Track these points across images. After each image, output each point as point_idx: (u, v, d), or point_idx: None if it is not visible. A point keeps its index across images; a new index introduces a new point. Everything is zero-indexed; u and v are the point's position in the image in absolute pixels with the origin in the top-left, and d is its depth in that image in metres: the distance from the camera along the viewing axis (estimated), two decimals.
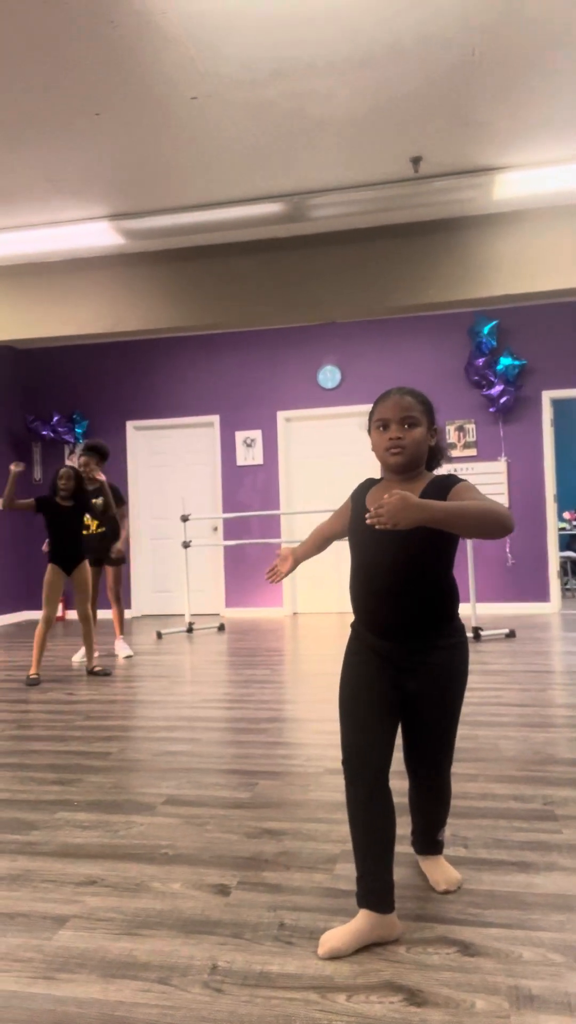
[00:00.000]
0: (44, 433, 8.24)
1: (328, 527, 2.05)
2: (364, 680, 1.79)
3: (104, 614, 7.13)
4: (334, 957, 1.67)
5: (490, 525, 1.54)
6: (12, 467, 4.68)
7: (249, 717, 3.76)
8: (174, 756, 3.16)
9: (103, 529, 5.50)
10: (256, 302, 5.33)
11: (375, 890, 1.72)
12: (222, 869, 2.12)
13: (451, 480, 1.75)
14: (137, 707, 4.09)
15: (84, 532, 5.46)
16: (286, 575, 2.08)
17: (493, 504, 1.57)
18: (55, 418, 8.21)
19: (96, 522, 5.49)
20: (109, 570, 5.55)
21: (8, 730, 3.65)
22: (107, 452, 5.61)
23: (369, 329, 7.78)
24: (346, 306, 5.25)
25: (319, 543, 2.09)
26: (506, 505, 7.45)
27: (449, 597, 1.79)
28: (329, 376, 7.84)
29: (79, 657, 5.54)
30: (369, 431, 1.85)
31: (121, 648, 5.55)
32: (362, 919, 1.71)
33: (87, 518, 5.45)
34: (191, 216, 4.75)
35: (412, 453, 1.76)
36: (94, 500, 5.49)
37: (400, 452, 1.75)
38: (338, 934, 1.70)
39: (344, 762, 1.78)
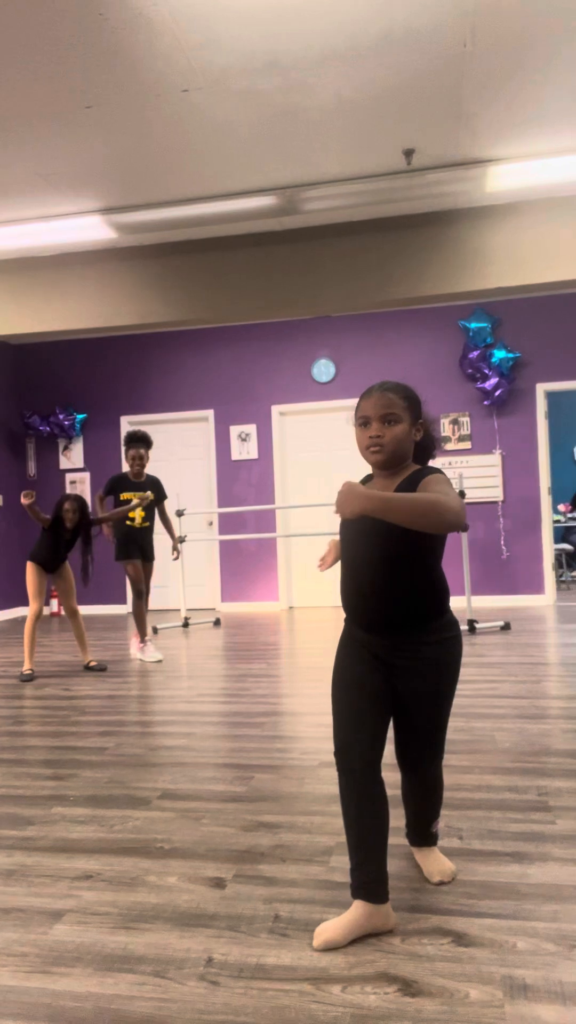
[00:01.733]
0: (41, 428, 8.22)
1: None
2: (354, 674, 1.80)
3: (99, 611, 7.10)
4: (329, 948, 1.68)
5: (430, 517, 1.51)
6: (24, 500, 4.66)
7: (245, 711, 3.76)
8: (170, 751, 3.17)
9: (148, 523, 5.42)
10: (250, 296, 5.32)
11: (369, 881, 1.73)
12: (218, 862, 2.13)
13: (425, 472, 1.74)
14: (133, 702, 4.10)
15: (128, 524, 5.34)
16: (332, 564, 2.12)
17: (440, 498, 1.53)
18: (57, 413, 8.18)
19: (142, 514, 5.39)
20: (151, 568, 5.44)
21: (4, 725, 3.65)
22: (152, 441, 5.53)
23: (363, 323, 7.77)
24: (340, 299, 5.24)
25: None
26: (501, 499, 7.46)
27: (435, 593, 1.78)
28: (323, 370, 7.83)
29: (156, 655, 5.30)
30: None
31: (152, 652, 5.36)
32: (357, 910, 1.72)
33: (132, 512, 5.32)
34: (183, 210, 4.74)
35: (392, 451, 1.75)
36: (142, 494, 5.27)
37: (379, 450, 1.75)
38: (333, 925, 1.71)
39: (336, 753, 1.79)
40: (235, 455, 8.03)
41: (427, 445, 1.86)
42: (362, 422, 1.77)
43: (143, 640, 5.36)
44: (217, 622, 6.97)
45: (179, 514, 7.03)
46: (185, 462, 8.31)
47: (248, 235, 5.29)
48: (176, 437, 8.31)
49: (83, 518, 4.98)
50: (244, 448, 8.01)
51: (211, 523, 8.12)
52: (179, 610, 7.87)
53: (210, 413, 8.10)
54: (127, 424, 8.32)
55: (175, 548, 5.62)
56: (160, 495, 5.50)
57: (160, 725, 3.58)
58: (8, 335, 5.75)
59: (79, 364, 8.37)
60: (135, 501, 5.08)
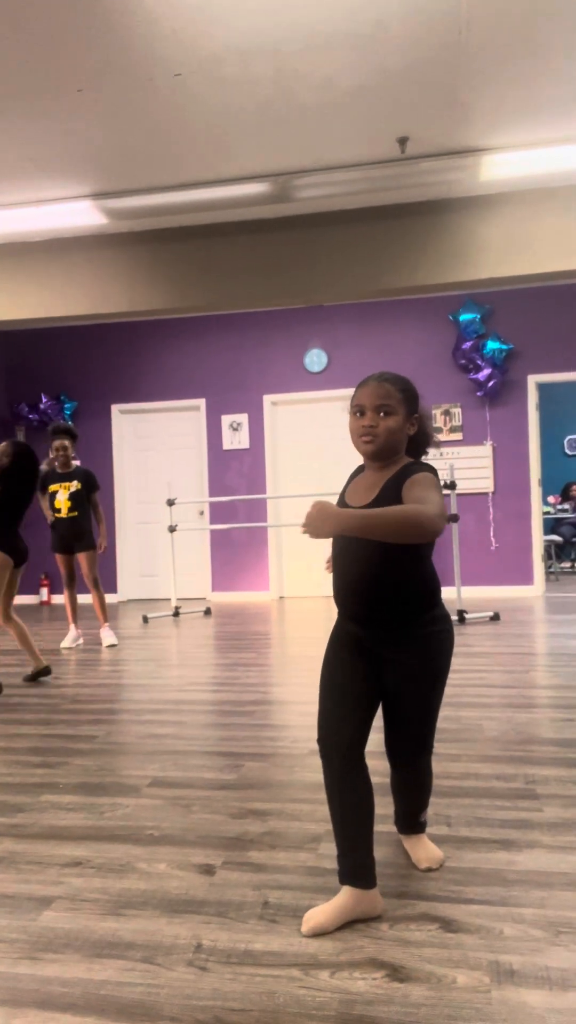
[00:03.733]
0: (31, 416, 8.17)
1: None
2: (341, 662, 1.80)
3: (84, 599, 7.11)
4: (318, 934, 1.69)
5: (408, 532, 1.51)
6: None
7: (235, 700, 3.77)
8: (160, 739, 3.17)
9: (75, 514, 5.44)
10: (242, 284, 5.29)
11: (356, 867, 1.74)
12: (207, 849, 2.13)
13: (413, 469, 1.72)
14: (123, 690, 4.09)
15: (56, 515, 5.43)
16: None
17: (418, 509, 1.52)
18: (44, 401, 8.14)
19: (68, 504, 5.42)
20: (82, 557, 5.45)
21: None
22: (77, 434, 5.68)
23: (356, 312, 7.74)
24: (333, 289, 5.22)
25: None
26: (491, 490, 7.48)
27: (426, 586, 1.77)
28: (315, 360, 7.81)
29: (68, 642, 5.52)
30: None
31: (107, 637, 5.52)
32: (345, 896, 1.73)
33: (58, 501, 5.41)
34: (175, 196, 4.70)
35: (384, 442, 1.73)
36: (67, 484, 5.43)
37: (371, 441, 1.73)
38: (322, 911, 1.72)
39: (319, 741, 1.79)
40: (227, 444, 8.01)
41: (421, 440, 1.84)
42: (357, 411, 1.75)
43: (74, 625, 5.62)
44: (208, 611, 6.97)
45: (170, 503, 7.01)
46: (176, 451, 8.28)
47: (241, 222, 5.25)
48: (168, 426, 8.28)
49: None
50: (236, 437, 7.99)
51: (202, 512, 8.11)
52: (170, 599, 7.87)
53: (202, 402, 8.07)
54: (118, 413, 8.28)
55: (102, 540, 5.60)
56: (90, 486, 5.55)
57: (150, 714, 3.58)
58: None
59: (69, 352, 8.31)
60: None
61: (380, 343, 7.70)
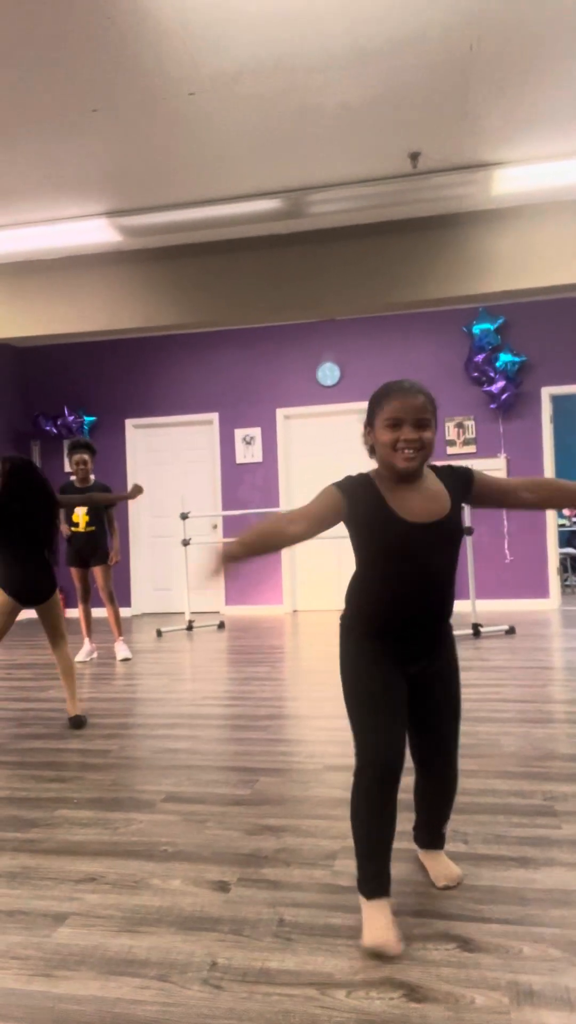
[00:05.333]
0: (47, 429, 8.22)
1: (299, 527, 1.73)
2: (382, 679, 1.75)
3: (98, 613, 7.12)
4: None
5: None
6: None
7: (249, 714, 3.75)
8: (174, 753, 3.16)
9: (92, 528, 5.47)
10: (255, 299, 5.32)
11: (387, 878, 1.76)
12: (222, 866, 2.12)
13: (466, 473, 1.78)
14: (137, 705, 4.09)
15: (73, 529, 5.44)
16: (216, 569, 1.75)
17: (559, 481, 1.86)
18: (67, 414, 8.19)
19: (87, 519, 5.45)
20: (98, 571, 5.48)
21: (8, 728, 3.65)
22: (96, 449, 5.72)
23: (368, 326, 7.76)
24: (345, 303, 5.24)
25: (270, 538, 1.75)
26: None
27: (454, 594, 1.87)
28: (328, 373, 7.82)
29: (82, 656, 5.52)
30: (371, 424, 1.73)
31: (121, 651, 5.51)
32: (386, 905, 1.72)
33: (76, 515, 5.44)
34: (189, 213, 4.74)
35: (425, 457, 1.68)
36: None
37: (414, 457, 1.65)
38: (388, 929, 1.67)
39: (371, 763, 1.70)
40: (240, 458, 8.03)
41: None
42: (393, 423, 1.66)
43: (90, 638, 5.64)
44: (221, 625, 6.96)
45: (183, 517, 7.02)
46: (190, 465, 8.31)
47: (254, 238, 5.29)
48: (181, 440, 8.32)
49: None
50: (249, 451, 8.00)
51: (215, 526, 8.12)
52: (183, 613, 7.86)
53: (215, 416, 8.10)
54: (132, 427, 8.32)
55: (115, 553, 5.61)
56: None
57: (164, 728, 3.57)
58: (13, 337, 5.76)
59: (84, 367, 8.38)
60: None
61: (393, 356, 7.71)
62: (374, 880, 1.73)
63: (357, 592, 1.80)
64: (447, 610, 1.80)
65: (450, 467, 1.78)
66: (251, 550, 1.70)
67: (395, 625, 1.76)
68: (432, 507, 1.70)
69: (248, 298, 5.33)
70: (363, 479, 1.75)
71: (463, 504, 1.76)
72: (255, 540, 1.71)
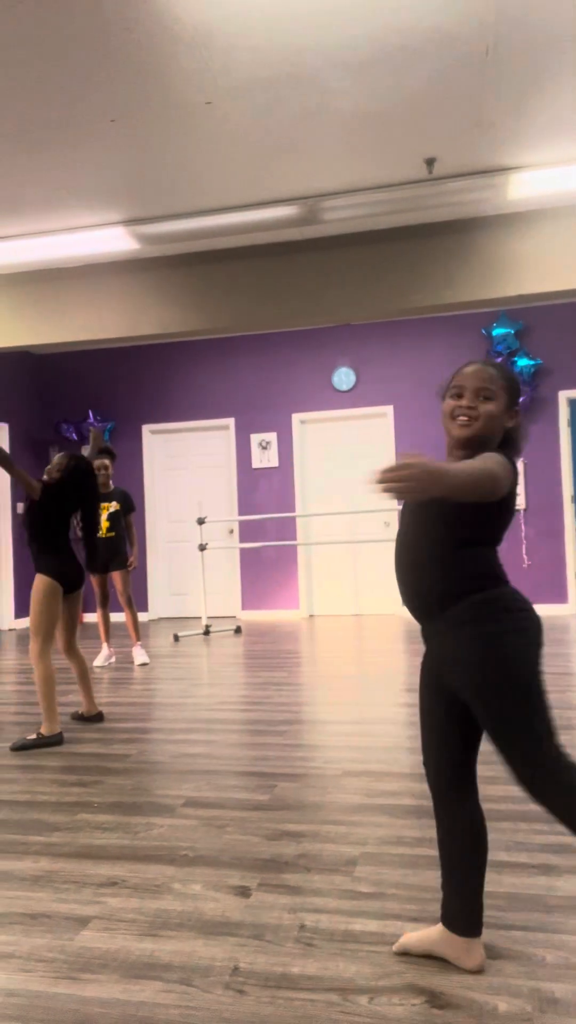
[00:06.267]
0: (68, 435, 8.29)
1: None
2: (422, 690, 1.69)
3: (117, 618, 7.16)
4: (402, 952, 1.67)
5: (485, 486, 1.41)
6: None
7: (267, 719, 3.76)
8: (193, 758, 3.17)
9: (112, 534, 5.52)
10: (270, 305, 5.34)
11: (445, 906, 1.65)
12: (242, 871, 2.13)
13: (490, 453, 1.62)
14: (155, 709, 4.11)
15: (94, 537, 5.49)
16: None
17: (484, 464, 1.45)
18: (92, 420, 8.26)
19: (107, 524, 5.51)
20: (117, 576, 5.53)
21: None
22: (116, 454, 5.77)
23: (383, 331, 7.76)
24: (361, 308, 5.25)
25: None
26: (523, 507, 7.41)
27: (461, 574, 1.59)
28: (344, 378, 7.83)
29: (100, 661, 5.56)
30: (443, 399, 1.69)
31: (138, 655, 5.55)
32: (438, 930, 1.66)
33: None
34: (205, 220, 4.77)
35: (481, 427, 1.59)
36: (107, 504, 5.52)
37: (468, 423, 1.59)
38: (415, 934, 1.68)
39: (433, 786, 1.68)
40: (256, 463, 8.05)
41: (515, 437, 1.67)
42: (455, 392, 1.63)
43: (108, 644, 5.65)
44: (238, 630, 6.98)
45: (200, 522, 7.05)
46: (206, 470, 8.34)
47: (270, 244, 5.32)
48: (197, 445, 8.35)
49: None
50: (265, 456, 8.03)
51: (232, 531, 8.14)
52: (200, 618, 7.89)
53: (231, 421, 8.13)
54: (149, 433, 8.37)
55: (134, 559, 5.69)
56: (128, 507, 5.65)
57: (183, 733, 3.58)
58: (32, 345, 5.82)
59: (101, 374, 8.45)
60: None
61: (409, 360, 7.71)
62: (443, 901, 1.66)
63: None
64: (426, 596, 1.58)
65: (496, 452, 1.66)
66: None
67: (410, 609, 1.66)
68: None
69: (264, 304, 5.35)
70: None
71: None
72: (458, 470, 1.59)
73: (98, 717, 3.87)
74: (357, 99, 3.65)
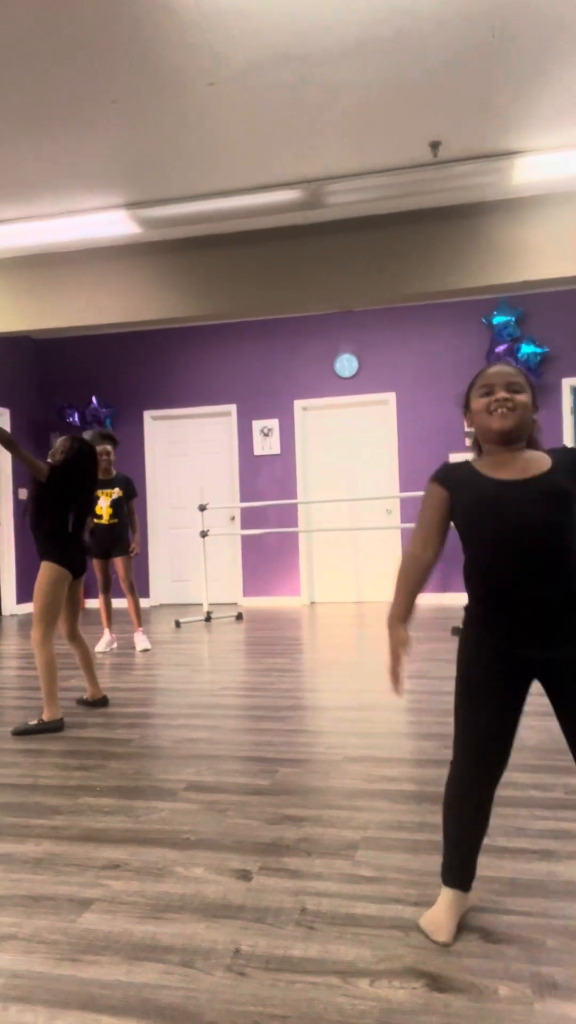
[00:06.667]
0: (70, 421, 8.26)
1: (430, 551, 1.71)
2: (491, 672, 1.67)
3: (119, 603, 7.18)
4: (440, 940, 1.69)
5: None
6: None
7: (268, 705, 3.77)
8: (194, 743, 3.18)
9: (115, 520, 5.52)
10: (273, 290, 5.31)
11: (469, 872, 1.76)
12: (243, 854, 2.13)
13: (569, 451, 1.66)
14: (157, 695, 4.12)
15: (96, 521, 5.49)
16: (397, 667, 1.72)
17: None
18: (95, 405, 8.23)
19: (110, 511, 5.51)
20: (119, 562, 5.53)
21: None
22: (119, 440, 5.77)
23: (386, 317, 7.72)
24: (364, 294, 5.21)
25: (420, 580, 1.72)
26: None
27: None
28: (346, 364, 7.80)
29: (102, 647, 5.57)
30: (467, 408, 1.73)
31: (140, 641, 5.56)
32: (456, 896, 1.74)
33: (100, 507, 5.49)
34: (208, 204, 4.73)
35: (521, 416, 1.64)
36: (109, 491, 5.52)
37: (507, 413, 1.63)
38: (445, 918, 1.70)
39: (467, 766, 1.71)
40: (258, 450, 8.03)
41: (535, 432, 1.74)
42: (485, 392, 1.67)
43: (111, 630, 5.68)
44: (239, 616, 6.99)
45: (202, 509, 7.05)
46: (208, 457, 8.33)
47: (273, 229, 5.27)
48: (199, 432, 8.33)
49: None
50: (267, 443, 8.01)
51: (233, 518, 8.14)
52: (201, 604, 7.90)
53: (233, 408, 8.11)
54: (150, 419, 8.35)
55: (136, 547, 5.69)
56: (130, 493, 5.64)
57: (184, 718, 3.59)
58: (32, 330, 5.79)
59: (102, 360, 8.42)
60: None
61: (412, 347, 7.67)
62: (460, 869, 1.75)
63: (464, 570, 1.72)
64: (557, 583, 1.58)
65: (565, 447, 1.71)
66: (409, 608, 1.73)
67: (497, 601, 1.64)
68: (528, 467, 1.63)
69: (266, 289, 5.32)
70: (461, 463, 1.74)
71: (571, 480, 1.62)
72: (407, 597, 1.72)
73: (103, 701, 3.89)
74: (361, 81, 3.60)
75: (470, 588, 1.71)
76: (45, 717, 3.48)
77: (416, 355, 7.64)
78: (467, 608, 1.73)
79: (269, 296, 5.32)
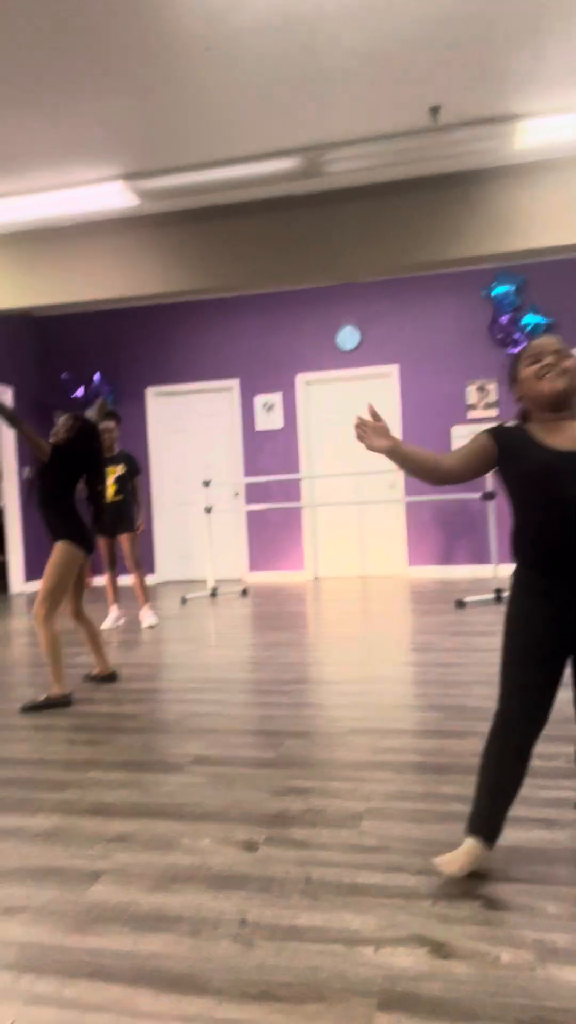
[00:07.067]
0: (75, 396, 8.22)
1: (452, 462, 1.78)
2: (540, 630, 1.72)
3: (123, 580, 7.21)
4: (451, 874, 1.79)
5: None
6: None
7: (274, 679, 3.80)
8: (201, 717, 3.22)
9: (119, 497, 5.52)
10: (273, 262, 5.25)
11: (496, 824, 1.82)
12: (249, 826, 2.16)
13: None
14: (164, 670, 4.15)
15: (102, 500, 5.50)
16: (372, 444, 1.80)
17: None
18: (97, 379, 8.18)
19: (114, 488, 5.52)
20: (124, 539, 5.55)
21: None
22: (121, 417, 5.74)
23: (388, 289, 7.63)
24: (365, 265, 5.15)
25: (425, 462, 1.78)
26: None
27: None
28: (348, 337, 7.73)
29: (109, 623, 5.61)
30: (514, 380, 1.80)
31: (147, 617, 5.60)
32: (476, 846, 1.81)
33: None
34: (205, 174, 4.66)
35: (572, 378, 1.70)
36: (113, 468, 5.51)
37: (557, 377, 1.69)
38: (459, 856, 1.80)
39: (513, 716, 1.76)
40: (260, 425, 8.00)
41: None
42: (533, 360, 1.74)
43: (115, 606, 5.71)
44: (244, 592, 7.02)
45: (206, 484, 7.05)
46: (211, 432, 8.30)
47: (272, 199, 5.20)
48: (202, 407, 8.30)
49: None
50: (269, 418, 7.97)
51: (237, 493, 8.14)
52: (206, 580, 7.94)
53: (235, 383, 8.06)
54: (152, 395, 8.32)
55: (141, 524, 5.69)
56: (134, 470, 5.64)
57: (191, 692, 3.63)
58: (31, 306, 5.74)
59: (103, 336, 8.36)
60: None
61: (414, 319, 7.59)
62: (488, 820, 1.82)
63: (513, 535, 1.79)
64: None
65: None
66: (403, 455, 1.78)
67: (548, 565, 1.69)
68: (569, 439, 1.70)
69: (267, 261, 5.25)
70: (514, 426, 1.82)
71: None
72: (410, 451, 1.79)
73: (112, 677, 3.92)
74: (359, 45, 3.52)
75: (520, 554, 1.77)
76: (53, 693, 3.52)
77: (419, 327, 7.57)
78: (516, 573, 1.80)
79: (269, 268, 5.26)
